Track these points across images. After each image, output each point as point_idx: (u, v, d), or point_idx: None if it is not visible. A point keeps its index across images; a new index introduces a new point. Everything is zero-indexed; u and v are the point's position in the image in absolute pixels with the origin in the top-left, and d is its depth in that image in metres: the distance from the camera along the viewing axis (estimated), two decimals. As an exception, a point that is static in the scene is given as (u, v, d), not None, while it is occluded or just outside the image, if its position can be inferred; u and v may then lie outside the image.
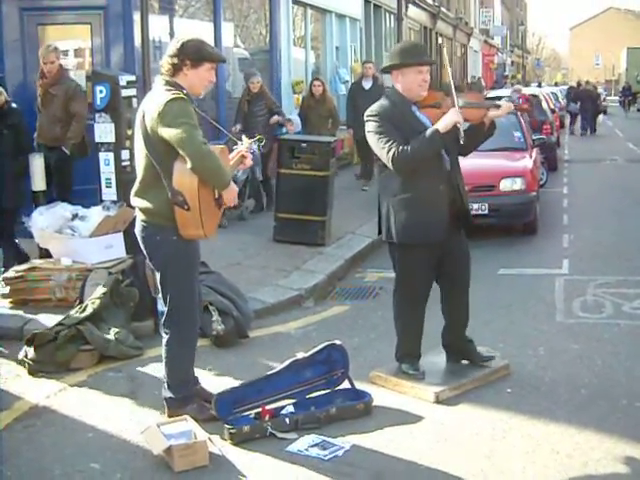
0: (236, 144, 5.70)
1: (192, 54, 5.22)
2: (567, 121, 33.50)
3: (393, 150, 5.69)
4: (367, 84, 15.66)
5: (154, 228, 5.29)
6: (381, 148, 5.77)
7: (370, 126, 5.89)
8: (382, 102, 6.00)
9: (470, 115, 5.84)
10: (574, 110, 33.87)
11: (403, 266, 6.08)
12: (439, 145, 5.74)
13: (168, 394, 5.51)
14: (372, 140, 5.88)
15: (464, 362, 6.32)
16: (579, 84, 39.61)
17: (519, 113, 13.00)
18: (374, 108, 5.93)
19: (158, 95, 5.20)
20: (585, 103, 33.27)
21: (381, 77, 15.41)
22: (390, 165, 5.75)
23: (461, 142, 5.71)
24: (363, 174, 16.03)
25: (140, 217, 5.37)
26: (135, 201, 5.39)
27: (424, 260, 5.98)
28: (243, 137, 5.76)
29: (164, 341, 5.50)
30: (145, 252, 5.46)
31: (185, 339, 5.49)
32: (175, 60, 5.23)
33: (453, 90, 5.82)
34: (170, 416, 5.44)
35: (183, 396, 5.49)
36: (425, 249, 5.92)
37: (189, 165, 5.01)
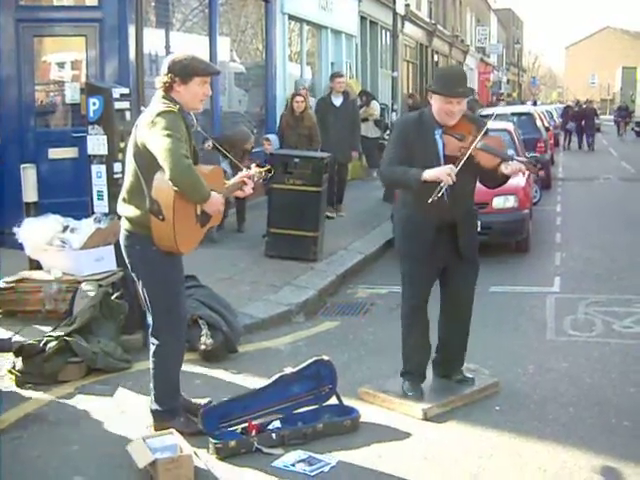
0: (240, 168, 5.70)
1: (180, 71, 5.25)
2: (561, 139, 34.13)
3: (384, 164, 6.00)
4: (337, 100, 14.23)
5: (135, 237, 5.31)
6: (382, 158, 6.14)
7: (391, 134, 6.29)
8: (413, 115, 6.22)
9: (483, 160, 5.76)
10: (571, 128, 35.49)
11: (402, 275, 6.22)
12: (415, 188, 5.77)
13: (155, 406, 5.50)
14: None
15: (457, 376, 6.33)
16: (578, 103, 41.21)
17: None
18: (402, 118, 6.38)
19: (152, 107, 5.27)
20: (589, 120, 35.11)
21: (353, 93, 14.47)
22: (378, 175, 6.17)
23: (429, 201, 5.61)
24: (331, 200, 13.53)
25: (124, 225, 5.41)
26: (120, 209, 5.43)
27: (416, 272, 6.05)
28: (252, 166, 5.71)
29: (151, 353, 5.50)
30: (127, 261, 5.48)
31: (171, 351, 5.47)
32: (165, 78, 5.28)
33: (482, 132, 5.77)
34: (157, 429, 5.43)
35: (169, 408, 5.48)
36: (416, 262, 6.01)
37: (166, 176, 5.00)
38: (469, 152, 5.70)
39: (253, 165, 5.74)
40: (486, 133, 5.85)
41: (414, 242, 6.02)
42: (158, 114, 5.12)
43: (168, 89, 5.29)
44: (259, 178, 5.64)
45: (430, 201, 5.61)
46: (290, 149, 12.48)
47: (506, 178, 5.94)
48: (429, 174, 5.68)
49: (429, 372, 6.39)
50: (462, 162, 5.69)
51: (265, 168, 5.73)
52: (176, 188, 5.01)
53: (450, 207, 5.85)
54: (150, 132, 5.10)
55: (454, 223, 5.99)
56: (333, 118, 13.70)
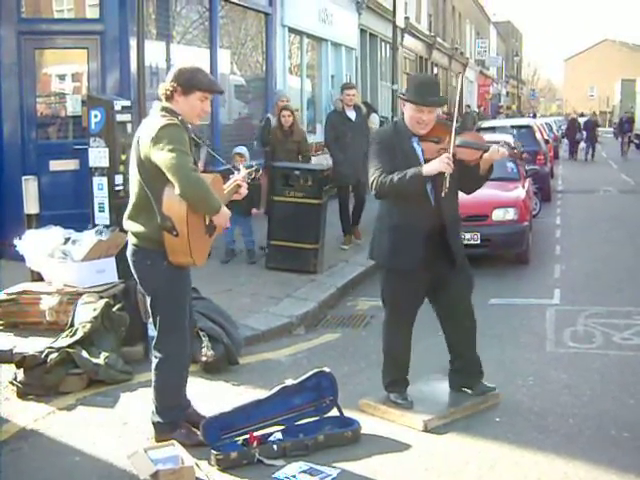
0: (232, 173, 5.76)
1: (183, 81, 5.27)
2: (561, 150, 34.53)
3: (376, 176, 5.84)
4: (352, 114, 12.75)
5: (145, 252, 5.31)
6: (370, 172, 5.93)
7: (370, 149, 6.11)
8: (386, 127, 6.28)
9: (465, 155, 5.82)
10: (579, 138, 36.49)
11: (384, 289, 6.21)
12: (418, 185, 5.76)
13: (156, 418, 5.51)
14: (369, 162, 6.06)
15: (459, 388, 6.33)
16: (582, 115, 42.94)
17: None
18: (378, 131, 6.23)
19: (153, 120, 5.26)
20: (592, 131, 36.06)
21: (362, 106, 13.39)
22: (372, 190, 5.92)
23: (442, 194, 5.70)
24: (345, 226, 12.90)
25: (131, 241, 5.39)
26: (127, 224, 5.41)
27: (403, 285, 6.02)
28: (241, 167, 5.84)
29: (153, 365, 5.51)
30: (136, 276, 5.47)
31: (174, 364, 5.48)
32: (168, 85, 5.30)
33: (454, 129, 5.83)
34: (158, 441, 5.43)
35: (171, 421, 5.49)
36: (403, 275, 5.98)
37: (177, 191, 5.02)
38: (452, 145, 5.72)
39: (241, 167, 5.89)
40: (460, 132, 5.92)
41: (403, 254, 5.92)
42: (161, 128, 5.12)
43: (169, 97, 5.30)
44: (249, 178, 5.74)
45: (443, 194, 5.67)
46: None
47: (490, 171, 5.97)
48: (429, 168, 5.70)
49: (429, 385, 6.41)
50: (452, 147, 5.72)
51: (252, 168, 5.83)
52: (187, 202, 5.03)
53: (437, 211, 5.86)
54: (155, 148, 5.09)
55: (443, 229, 5.95)
56: (351, 133, 12.42)
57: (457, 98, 6.34)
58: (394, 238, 5.96)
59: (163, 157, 5.05)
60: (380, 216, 6.16)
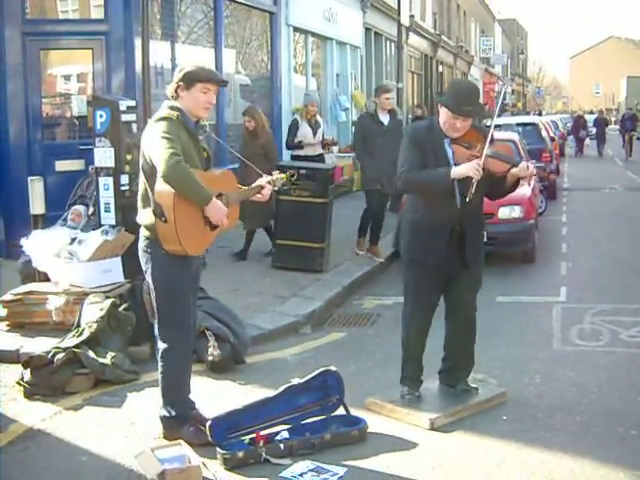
0: (260, 175, 5.82)
1: (185, 77, 5.40)
2: (567, 147, 34.77)
3: (405, 169, 5.89)
4: (385, 118, 11.63)
5: (147, 241, 5.42)
6: (400, 163, 5.98)
7: (403, 141, 6.11)
8: (422, 122, 6.30)
9: (494, 166, 5.80)
10: (582, 135, 37.42)
11: (406, 282, 6.27)
12: (445, 187, 5.79)
13: (163, 412, 5.53)
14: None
15: (463, 386, 6.34)
16: (592, 112, 42.53)
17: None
18: (413, 126, 6.26)
19: (154, 116, 5.45)
20: (602, 128, 36.91)
21: (399, 111, 12.34)
22: (398, 181, 5.98)
23: (467, 200, 5.72)
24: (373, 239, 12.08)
25: (141, 231, 5.52)
26: (137, 216, 5.53)
27: (423, 280, 6.09)
28: (275, 172, 5.92)
29: (158, 357, 5.55)
30: (141, 263, 5.56)
31: (177, 355, 5.51)
32: (173, 84, 5.45)
33: (488, 139, 5.83)
34: (166, 437, 5.47)
35: (177, 415, 5.50)
36: (425, 269, 6.04)
37: (158, 174, 5.11)
38: (484, 154, 5.72)
39: (275, 172, 5.93)
40: (492, 141, 5.90)
41: (426, 248, 6.01)
42: (156, 121, 5.31)
43: (175, 97, 5.45)
44: (282, 184, 5.85)
45: (468, 199, 5.69)
46: (247, 167, 11.53)
47: (516, 184, 5.99)
48: (458, 171, 5.73)
49: (436, 383, 6.41)
50: (484, 156, 5.71)
51: (288, 173, 5.94)
52: (169, 186, 5.09)
53: (461, 214, 5.91)
54: (147, 139, 5.29)
55: (463, 231, 6.00)
56: (382, 139, 11.31)
57: (496, 109, 6.26)
58: (417, 232, 6.06)
59: (150, 144, 5.22)
60: (406, 210, 6.28)
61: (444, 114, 5.90)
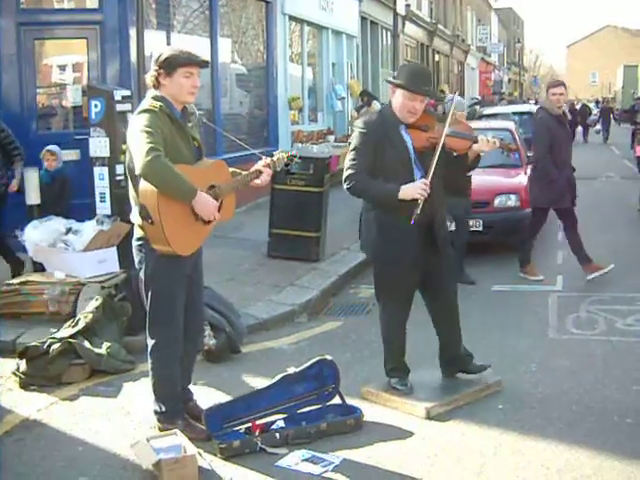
0: (260, 158, 5.64)
1: (164, 63, 5.22)
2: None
3: (353, 172, 5.75)
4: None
5: (141, 241, 5.32)
6: (347, 162, 5.83)
7: (353, 137, 5.96)
8: (372, 115, 6.10)
9: (455, 145, 5.86)
10: (590, 123, 38.88)
11: (376, 280, 6.16)
12: (391, 203, 5.70)
13: (155, 407, 5.52)
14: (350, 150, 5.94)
15: (460, 375, 6.32)
16: (597, 101, 47.26)
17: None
18: (364, 120, 5.98)
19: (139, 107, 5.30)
20: (607, 117, 39.73)
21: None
22: (344, 183, 5.81)
23: (411, 221, 5.59)
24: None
25: (134, 230, 5.43)
26: (131, 214, 5.43)
27: (400, 278, 5.97)
28: (275, 152, 5.72)
29: (148, 352, 5.51)
30: (135, 264, 5.49)
31: (166, 352, 5.42)
32: (152, 72, 5.27)
33: (449, 117, 5.84)
34: (161, 430, 5.45)
35: (168, 409, 5.47)
36: (401, 268, 5.91)
37: (136, 171, 4.97)
38: (444, 134, 5.71)
39: (275, 152, 5.76)
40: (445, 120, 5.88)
41: (398, 244, 5.83)
42: (137, 114, 5.17)
43: (156, 85, 5.26)
44: (281, 164, 5.67)
45: (412, 222, 5.58)
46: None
47: (476, 161, 6.00)
48: (404, 194, 5.63)
49: (431, 372, 6.41)
50: (433, 169, 5.69)
51: (288, 153, 5.76)
52: (148, 183, 4.94)
53: (427, 200, 5.73)
54: (129, 134, 5.13)
55: (431, 221, 5.88)
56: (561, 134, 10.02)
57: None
58: (385, 228, 5.88)
59: (129, 139, 5.10)
60: (367, 208, 6.06)
61: (400, 96, 5.81)
